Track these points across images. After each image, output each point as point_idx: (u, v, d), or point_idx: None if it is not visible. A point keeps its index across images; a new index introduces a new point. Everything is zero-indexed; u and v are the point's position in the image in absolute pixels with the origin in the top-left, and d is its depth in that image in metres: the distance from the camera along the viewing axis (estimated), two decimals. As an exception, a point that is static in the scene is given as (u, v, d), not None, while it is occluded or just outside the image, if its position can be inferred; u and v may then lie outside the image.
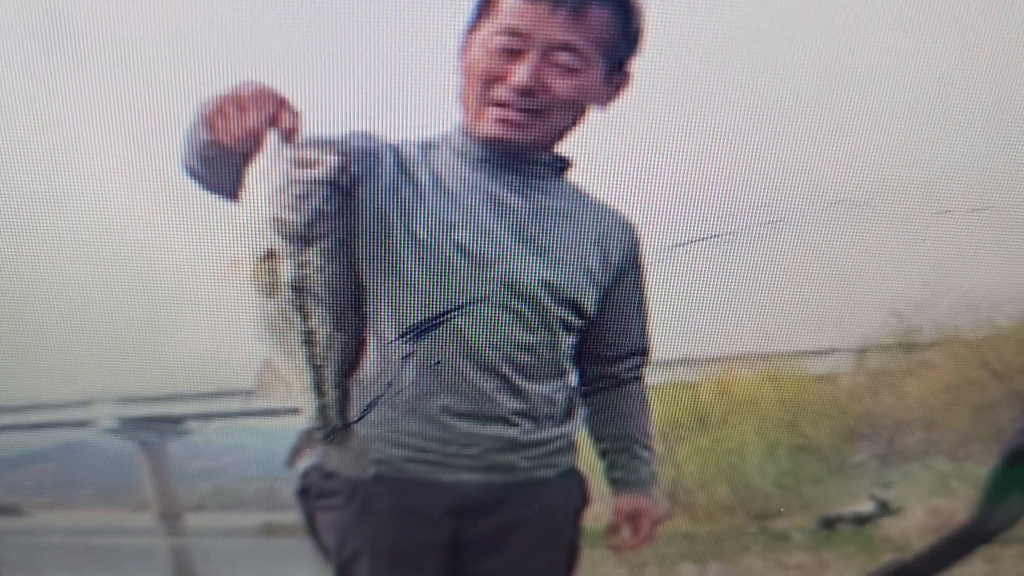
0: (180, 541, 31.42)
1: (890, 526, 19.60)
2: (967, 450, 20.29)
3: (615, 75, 2.55)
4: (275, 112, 2.05)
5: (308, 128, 2.10)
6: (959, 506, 14.61)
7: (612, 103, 2.61)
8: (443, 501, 2.55)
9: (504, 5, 2.43)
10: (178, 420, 39.53)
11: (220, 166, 2.13)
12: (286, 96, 2.09)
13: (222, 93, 2.11)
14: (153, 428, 39.15)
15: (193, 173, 2.26)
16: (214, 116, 2.10)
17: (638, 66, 2.61)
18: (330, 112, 2.42)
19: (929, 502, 19.66)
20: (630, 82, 2.59)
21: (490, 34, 2.45)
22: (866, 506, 20.81)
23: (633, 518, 2.83)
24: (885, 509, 20.52)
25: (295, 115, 2.07)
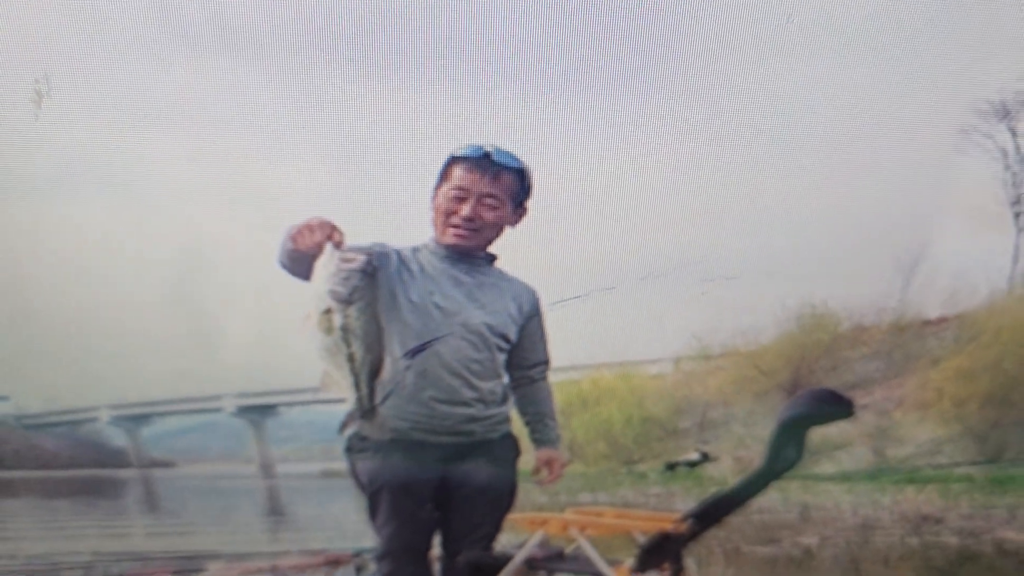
0: (272, 482, 30.98)
1: (711, 469, 19.64)
2: (753, 420, 20.38)
3: (519, 209, 2.93)
4: (330, 232, 2.39)
5: (350, 240, 2.43)
6: (754, 455, 14.75)
7: (517, 225, 2.97)
8: (433, 453, 2.82)
9: (455, 174, 2.83)
10: (273, 407, 40.59)
11: (299, 262, 2.45)
12: (336, 224, 2.42)
13: (300, 222, 2.45)
14: (258, 412, 40.21)
15: (284, 266, 2.59)
16: (296, 234, 2.44)
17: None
18: (362, 233, 2.73)
19: (734, 453, 19.68)
20: (527, 213, 2.96)
21: (448, 190, 2.84)
22: (694, 456, 20.90)
23: (548, 463, 3.07)
24: (706, 458, 20.56)
25: (341, 234, 2.40)
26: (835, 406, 2.72)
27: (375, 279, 2.42)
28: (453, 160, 2.86)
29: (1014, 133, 21.05)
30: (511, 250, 2.99)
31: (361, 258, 2.37)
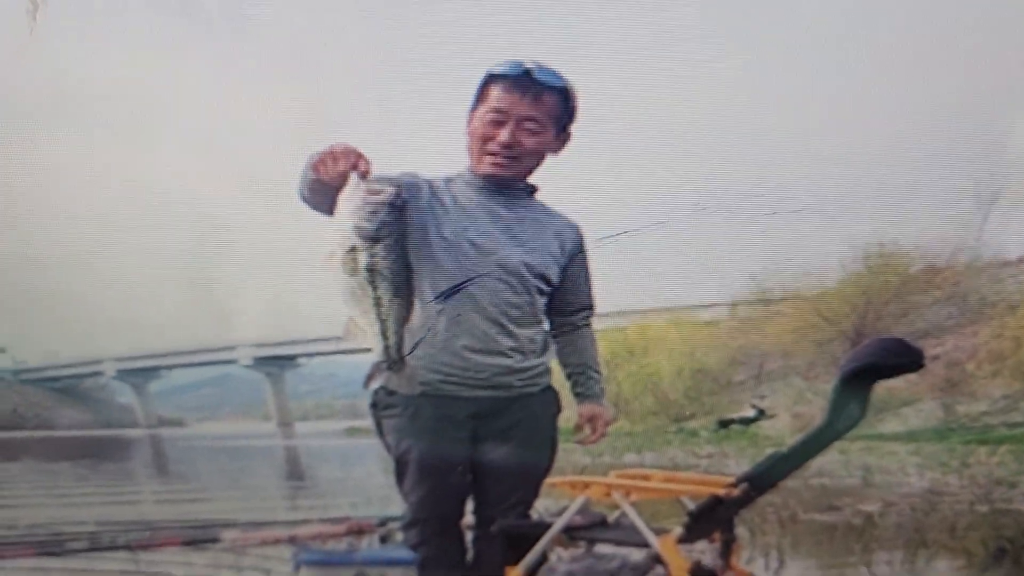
0: (291, 442, 31.43)
1: (768, 427, 19.71)
2: (814, 372, 20.44)
3: (561, 135, 2.88)
4: (355, 161, 2.35)
5: (377, 170, 2.40)
6: (815, 412, 14.68)
7: (560, 152, 2.93)
8: (465, 409, 2.82)
9: (492, 94, 2.78)
10: (292, 358, 40.87)
11: (321, 194, 2.43)
12: (362, 152, 2.39)
13: (323, 149, 2.42)
14: (275, 364, 40.50)
15: (304, 199, 2.58)
16: (318, 163, 2.41)
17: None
18: (390, 160, 2.70)
19: (793, 409, 19.76)
20: (571, 138, 2.91)
21: (484, 112, 2.79)
22: (749, 412, 20.99)
23: (591, 420, 3.06)
24: (763, 415, 20.66)
25: (368, 162, 2.37)
26: (903, 356, 2.70)
27: (404, 213, 2.39)
28: (490, 78, 2.81)
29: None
30: (553, 180, 2.95)
31: (389, 190, 2.35)
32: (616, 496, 2.74)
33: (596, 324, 3.15)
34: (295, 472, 19.42)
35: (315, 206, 2.55)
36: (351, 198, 2.33)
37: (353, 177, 2.35)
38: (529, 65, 2.76)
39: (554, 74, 2.79)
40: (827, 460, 11.29)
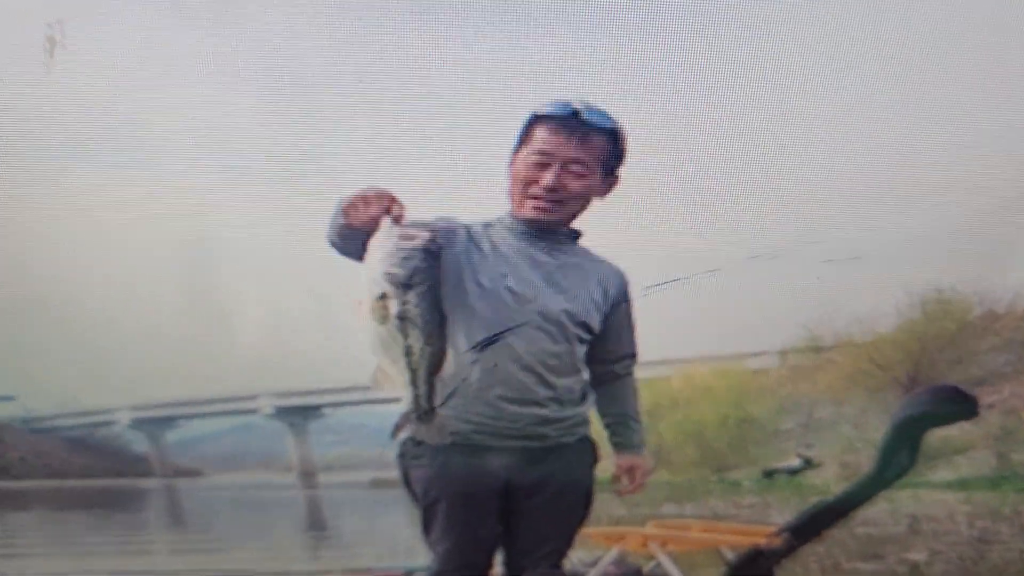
0: (314, 492, 31.52)
1: (814, 476, 19.58)
2: (865, 421, 20.32)
3: (609, 177, 2.88)
4: (388, 205, 2.36)
5: (411, 215, 2.41)
6: (863, 461, 14.58)
7: (607, 196, 2.92)
8: (498, 460, 2.79)
9: (537, 135, 2.77)
10: (317, 407, 40.86)
11: (352, 239, 2.44)
12: (395, 195, 2.40)
13: (354, 193, 2.44)
14: (299, 413, 40.49)
15: (333, 244, 2.58)
16: (349, 207, 2.43)
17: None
18: (425, 206, 2.72)
19: (841, 458, 19.63)
20: (619, 182, 2.91)
21: (528, 154, 2.78)
22: (795, 462, 20.86)
23: (629, 471, 3.07)
24: (809, 464, 20.55)
25: (402, 207, 2.38)
26: (958, 404, 2.72)
27: (439, 260, 2.42)
28: (536, 119, 2.81)
29: None
30: (599, 226, 2.95)
31: (424, 235, 2.37)
32: (652, 546, 2.74)
33: (639, 372, 3.14)
34: (317, 522, 19.45)
35: (345, 252, 2.56)
36: (383, 243, 2.33)
37: (386, 222, 2.36)
38: (577, 106, 2.75)
39: (603, 115, 2.79)
40: (873, 509, 11.22)
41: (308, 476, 40.06)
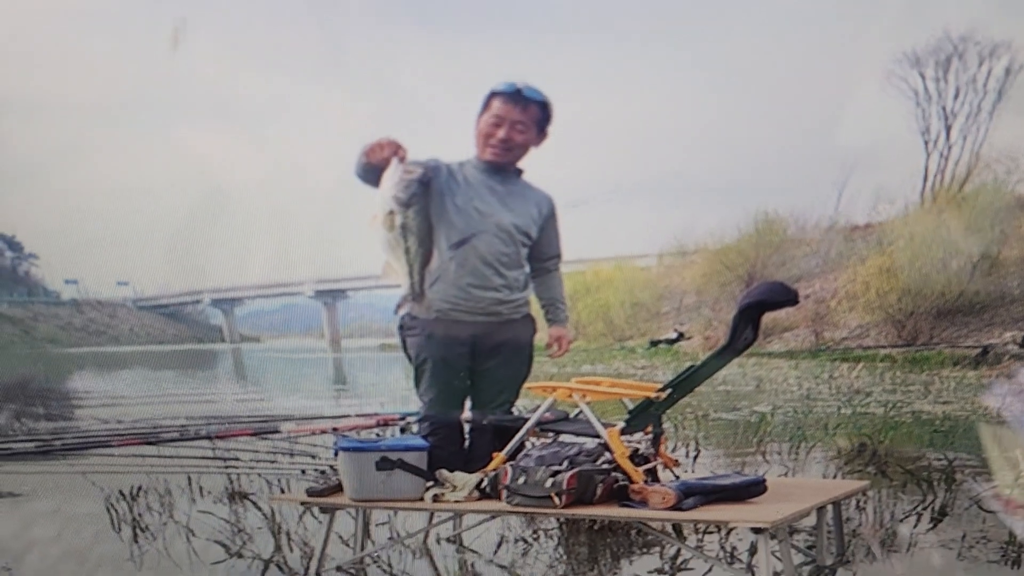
0: (338, 355, 31.51)
1: (686, 346, 19.78)
2: (719, 306, 20.66)
3: (541, 134, 2.94)
4: (396, 149, 2.50)
5: (411, 156, 2.52)
6: (719, 335, 14.68)
7: (540, 146, 2.97)
8: (467, 330, 2.92)
9: (493, 105, 2.87)
10: (343, 291, 40.64)
11: (371, 173, 2.55)
12: (401, 143, 2.53)
13: (372, 141, 2.56)
14: (330, 295, 40.19)
15: (359, 176, 2.65)
16: (369, 151, 2.55)
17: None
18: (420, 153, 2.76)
19: (704, 333, 19.83)
20: (548, 137, 2.97)
21: (487, 117, 2.89)
22: (672, 335, 21.08)
23: (558, 339, 3.16)
24: (682, 336, 20.71)
25: (405, 151, 2.50)
26: (784, 295, 2.73)
27: (429, 187, 2.52)
28: (492, 94, 2.89)
29: (923, 77, 21.68)
30: (535, 165, 3.02)
31: (419, 170, 2.46)
32: (576, 397, 2.78)
33: (563, 268, 3.20)
34: (340, 378, 19.40)
35: (366, 181, 2.63)
36: (392, 176, 2.43)
37: (394, 161, 2.46)
38: (520, 85, 2.86)
39: (537, 91, 2.88)
40: (729, 372, 11.38)
41: (335, 343, 39.93)
